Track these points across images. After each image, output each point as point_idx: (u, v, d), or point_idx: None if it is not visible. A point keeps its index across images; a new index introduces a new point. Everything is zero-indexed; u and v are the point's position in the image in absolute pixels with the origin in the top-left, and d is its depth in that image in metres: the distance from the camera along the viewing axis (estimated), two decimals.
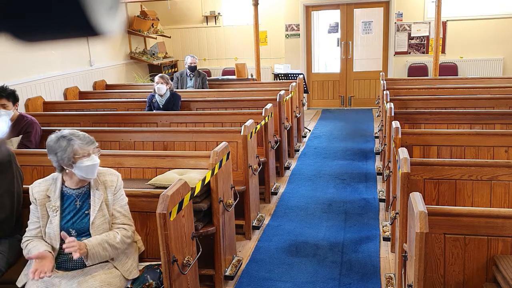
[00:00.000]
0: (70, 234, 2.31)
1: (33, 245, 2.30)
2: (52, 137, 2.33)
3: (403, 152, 2.88)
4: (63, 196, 2.36)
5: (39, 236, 2.34)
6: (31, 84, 5.92)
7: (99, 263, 2.28)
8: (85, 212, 2.34)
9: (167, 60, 9.30)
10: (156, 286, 2.39)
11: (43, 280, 2.22)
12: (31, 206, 2.38)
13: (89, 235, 2.30)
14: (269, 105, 4.62)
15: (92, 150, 2.31)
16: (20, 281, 2.33)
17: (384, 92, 5.24)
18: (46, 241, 2.32)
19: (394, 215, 2.97)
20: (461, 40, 8.55)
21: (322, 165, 5.72)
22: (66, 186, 2.37)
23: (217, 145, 3.21)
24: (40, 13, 0.41)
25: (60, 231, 2.29)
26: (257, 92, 5.96)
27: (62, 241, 2.26)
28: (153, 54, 8.99)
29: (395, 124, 3.58)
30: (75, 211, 2.34)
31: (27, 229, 2.38)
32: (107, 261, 2.31)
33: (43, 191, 2.36)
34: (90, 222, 2.31)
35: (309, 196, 4.71)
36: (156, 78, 5.26)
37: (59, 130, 2.39)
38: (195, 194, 2.73)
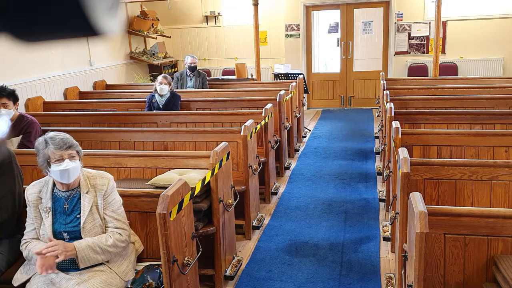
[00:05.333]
0: (63, 237, 2.32)
1: (33, 245, 2.31)
2: (39, 139, 2.34)
3: (403, 152, 2.88)
4: (54, 198, 2.36)
5: (36, 238, 2.35)
6: (31, 84, 5.92)
7: (94, 265, 2.28)
8: (76, 216, 2.33)
9: (167, 60, 9.30)
10: (156, 286, 2.39)
11: (43, 280, 2.22)
12: (27, 208, 2.39)
13: (81, 239, 2.29)
14: (269, 105, 4.62)
15: (66, 155, 2.26)
16: (16, 280, 2.33)
17: (384, 92, 5.24)
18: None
19: (394, 215, 2.97)
20: (461, 40, 8.55)
21: (322, 165, 5.72)
22: (56, 188, 2.37)
23: (217, 145, 3.21)
24: (40, 13, 0.41)
25: (53, 233, 2.29)
26: (257, 92, 5.95)
27: None
28: (153, 54, 8.99)
29: (395, 124, 3.58)
30: (66, 214, 2.33)
31: (25, 231, 2.39)
32: (102, 263, 2.31)
33: (35, 192, 2.37)
34: (81, 226, 2.30)
35: (309, 196, 4.71)
36: (160, 78, 5.25)
37: (58, 130, 2.39)
38: (195, 194, 2.73)
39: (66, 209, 2.33)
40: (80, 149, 2.38)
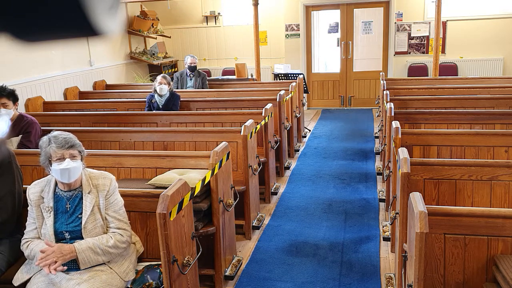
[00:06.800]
0: (64, 237, 2.32)
1: (35, 244, 2.31)
2: (43, 138, 2.35)
3: (403, 152, 2.88)
4: (56, 197, 2.36)
5: (37, 237, 2.35)
6: (31, 84, 5.92)
7: (95, 265, 2.28)
8: (78, 216, 2.33)
9: (167, 60, 9.30)
10: (156, 286, 2.39)
11: (44, 280, 2.22)
12: (28, 208, 2.39)
13: (82, 239, 2.30)
14: (269, 105, 4.62)
15: (68, 154, 2.27)
16: (16, 280, 2.33)
17: (384, 92, 5.24)
18: None
19: (394, 215, 2.97)
20: (461, 40, 8.55)
21: (322, 165, 5.72)
22: (58, 188, 2.37)
23: (217, 145, 3.21)
24: (40, 13, 0.41)
25: (54, 233, 2.29)
26: (257, 92, 5.95)
27: (57, 242, 2.27)
28: (153, 54, 8.99)
29: (395, 124, 3.58)
30: (68, 214, 2.33)
31: (25, 231, 2.39)
32: (103, 263, 2.31)
33: (37, 192, 2.37)
34: (82, 226, 2.31)
35: (309, 196, 4.71)
36: (159, 78, 5.25)
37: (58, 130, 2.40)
38: (195, 194, 2.73)
39: (68, 209, 2.33)
40: (83, 149, 2.38)
